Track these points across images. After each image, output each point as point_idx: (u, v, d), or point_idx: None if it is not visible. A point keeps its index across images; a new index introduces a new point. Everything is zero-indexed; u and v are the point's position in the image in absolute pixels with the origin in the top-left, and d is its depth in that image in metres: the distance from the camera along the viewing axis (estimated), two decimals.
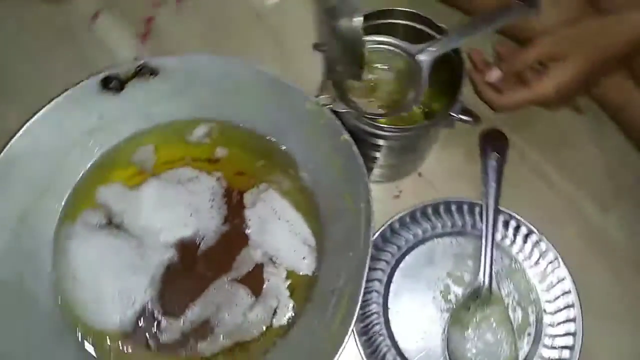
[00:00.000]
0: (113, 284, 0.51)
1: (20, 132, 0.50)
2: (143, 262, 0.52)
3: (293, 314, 0.51)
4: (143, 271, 0.52)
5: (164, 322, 0.51)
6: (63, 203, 0.54)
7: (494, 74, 0.56)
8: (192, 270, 0.52)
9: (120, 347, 0.50)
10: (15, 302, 0.49)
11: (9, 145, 0.49)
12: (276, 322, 0.51)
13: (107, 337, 0.50)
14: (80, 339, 0.50)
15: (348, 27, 0.42)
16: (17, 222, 0.51)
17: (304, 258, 0.52)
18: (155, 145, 0.56)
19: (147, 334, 0.50)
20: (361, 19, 0.42)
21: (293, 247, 0.53)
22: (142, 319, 0.51)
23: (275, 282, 0.52)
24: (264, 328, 0.50)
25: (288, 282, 0.52)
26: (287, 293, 0.51)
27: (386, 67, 0.51)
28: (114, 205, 0.54)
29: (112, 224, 0.54)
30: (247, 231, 0.53)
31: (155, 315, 0.51)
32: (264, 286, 0.52)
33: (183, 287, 0.52)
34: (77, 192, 0.54)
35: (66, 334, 0.50)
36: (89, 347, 0.50)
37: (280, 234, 0.53)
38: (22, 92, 0.63)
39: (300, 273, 0.52)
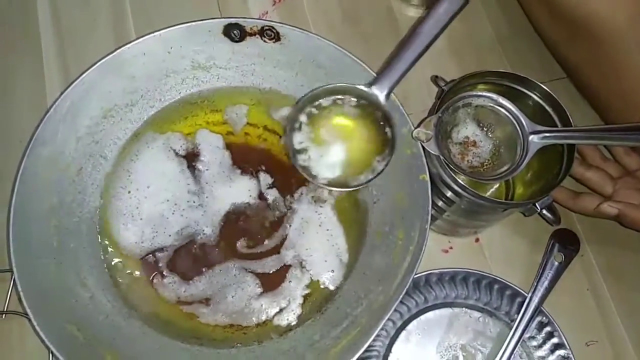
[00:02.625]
0: (152, 207, 0.53)
1: (134, 42, 0.52)
2: (186, 211, 0.53)
3: (295, 322, 0.51)
4: (181, 218, 0.53)
5: (168, 278, 0.52)
6: (144, 119, 0.56)
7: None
8: (217, 245, 0.53)
9: (131, 271, 0.52)
10: (66, 188, 0.52)
11: (119, 50, 0.51)
12: (276, 321, 0.51)
13: (122, 254, 0.52)
14: (107, 249, 0.52)
15: None
16: (101, 117, 0.53)
17: (332, 271, 0.52)
18: (249, 107, 0.57)
19: (151, 272, 0.52)
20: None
21: (325, 257, 0.52)
22: (151, 257, 0.52)
23: (295, 286, 0.52)
24: (264, 319, 0.51)
25: (306, 292, 0.52)
26: (300, 301, 0.52)
27: (491, 130, 0.49)
28: (205, 153, 0.55)
29: (188, 160, 0.55)
30: (287, 230, 0.53)
31: (161, 265, 0.52)
32: (282, 284, 0.52)
33: (199, 258, 0.53)
34: (168, 113, 0.56)
35: (98, 238, 0.52)
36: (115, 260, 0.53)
37: (318, 240, 0.53)
38: (154, 13, 0.65)
39: (323, 286, 0.52)
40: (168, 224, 0.53)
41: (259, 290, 0.52)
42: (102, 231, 0.53)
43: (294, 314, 0.51)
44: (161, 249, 0.52)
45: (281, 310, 0.51)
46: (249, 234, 0.53)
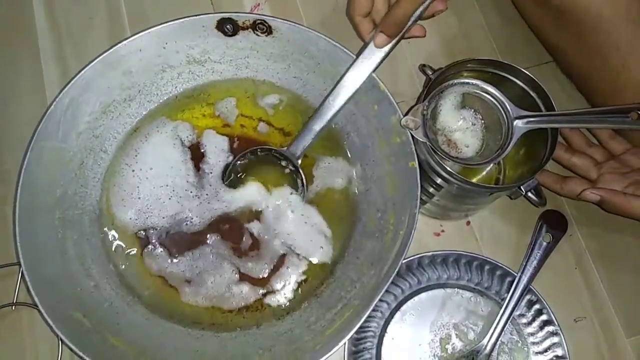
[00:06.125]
0: (151, 189, 0.55)
1: (130, 39, 0.53)
2: (183, 198, 0.55)
3: (287, 303, 0.54)
4: (176, 204, 0.55)
5: (157, 250, 0.55)
6: (142, 114, 0.57)
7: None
8: (203, 233, 0.55)
9: (129, 250, 0.55)
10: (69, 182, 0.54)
11: (116, 47, 0.53)
12: (268, 300, 0.54)
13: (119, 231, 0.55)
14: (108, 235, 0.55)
15: None
16: (100, 113, 0.55)
17: (321, 247, 0.54)
18: (237, 98, 0.58)
19: (144, 244, 0.55)
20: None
21: (309, 237, 0.55)
22: (144, 233, 0.55)
23: (291, 272, 0.54)
24: (243, 304, 0.53)
25: (303, 277, 0.54)
26: (294, 286, 0.54)
27: (478, 116, 0.51)
28: (211, 154, 0.57)
29: (193, 152, 0.57)
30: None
31: (153, 240, 0.55)
32: (280, 269, 0.54)
33: (185, 241, 0.55)
34: (165, 107, 0.58)
35: (100, 228, 0.55)
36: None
37: (295, 225, 0.55)
38: (148, 9, 0.66)
39: (317, 261, 0.55)
40: (163, 207, 0.55)
41: (236, 276, 0.54)
42: (103, 213, 0.55)
43: (286, 297, 0.54)
44: (152, 228, 0.55)
45: (274, 292, 0.54)
46: (233, 237, 0.56)
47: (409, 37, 0.52)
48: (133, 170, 0.55)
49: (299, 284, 0.54)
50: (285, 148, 0.54)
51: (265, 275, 0.54)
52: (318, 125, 0.53)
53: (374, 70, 0.51)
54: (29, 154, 0.50)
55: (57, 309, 0.47)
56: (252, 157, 0.56)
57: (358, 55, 0.51)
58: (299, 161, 0.54)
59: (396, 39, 0.50)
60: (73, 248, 0.52)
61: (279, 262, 0.55)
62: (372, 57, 0.50)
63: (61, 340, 0.46)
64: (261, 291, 0.54)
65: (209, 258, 0.54)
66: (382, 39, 0.49)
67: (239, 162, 0.56)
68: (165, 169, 0.56)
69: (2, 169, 0.60)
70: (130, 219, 0.55)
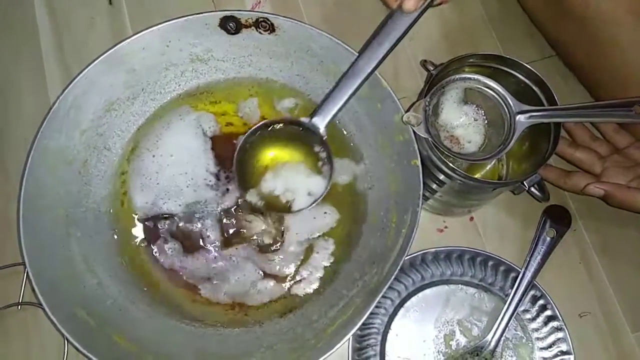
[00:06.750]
0: (170, 176, 0.56)
1: (133, 37, 0.53)
2: (200, 187, 0.56)
3: (311, 292, 0.54)
4: (194, 193, 0.55)
5: (169, 244, 0.55)
6: (146, 112, 0.57)
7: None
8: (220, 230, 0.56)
9: (137, 241, 0.55)
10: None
11: (119, 45, 0.53)
12: (294, 290, 0.54)
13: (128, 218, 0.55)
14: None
15: None
16: (103, 111, 0.55)
17: (325, 212, 0.55)
18: (258, 99, 0.58)
19: (153, 237, 0.55)
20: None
21: (312, 215, 0.55)
22: (154, 222, 0.55)
23: (321, 257, 0.55)
24: (268, 300, 0.53)
25: (332, 259, 0.55)
26: (321, 273, 0.54)
27: (480, 112, 0.51)
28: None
29: (214, 142, 0.57)
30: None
31: (163, 232, 0.55)
32: (311, 256, 0.55)
33: (199, 237, 0.55)
34: (169, 105, 0.58)
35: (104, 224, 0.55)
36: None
37: (301, 219, 0.55)
38: (149, 8, 0.66)
39: (333, 225, 0.55)
40: (181, 194, 0.55)
41: (260, 275, 0.54)
42: (114, 205, 0.55)
43: (312, 286, 0.54)
44: (167, 217, 0.55)
45: (301, 280, 0.54)
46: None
47: (436, 5, 0.51)
48: (153, 156, 0.56)
49: (325, 269, 0.54)
50: (307, 119, 0.49)
51: (294, 270, 0.55)
52: (347, 91, 0.48)
53: (404, 34, 0.48)
54: (32, 152, 0.50)
55: (61, 307, 0.47)
56: (266, 134, 0.51)
57: (385, 20, 0.49)
58: (325, 132, 0.49)
59: (425, 3, 0.48)
60: (77, 246, 0.52)
61: (307, 254, 0.55)
62: (401, 22, 0.48)
63: (66, 338, 0.46)
64: (287, 284, 0.54)
65: (228, 260, 0.54)
66: (411, 2, 0.48)
67: (247, 142, 0.51)
68: (186, 157, 0.56)
69: (5, 169, 0.60)
70: (146, 202, 0.55)
